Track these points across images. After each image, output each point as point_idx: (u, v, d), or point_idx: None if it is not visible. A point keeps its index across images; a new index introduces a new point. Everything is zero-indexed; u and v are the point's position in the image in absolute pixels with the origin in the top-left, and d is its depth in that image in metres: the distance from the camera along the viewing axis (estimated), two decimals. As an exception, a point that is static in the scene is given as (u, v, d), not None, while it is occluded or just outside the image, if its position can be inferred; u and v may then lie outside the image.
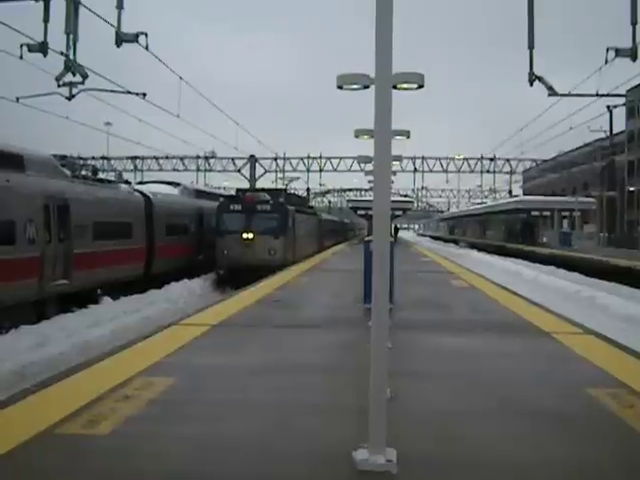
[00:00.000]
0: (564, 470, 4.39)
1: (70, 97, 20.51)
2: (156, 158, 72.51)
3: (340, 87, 6.66)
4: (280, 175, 71.43)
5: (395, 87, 6.00)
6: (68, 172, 20.46)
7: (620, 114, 67.69)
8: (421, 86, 6.71)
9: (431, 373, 7.23)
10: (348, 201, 64.11)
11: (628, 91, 42.45)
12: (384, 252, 4.52)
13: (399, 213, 49.80)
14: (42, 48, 17.79)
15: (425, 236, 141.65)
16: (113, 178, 26.98)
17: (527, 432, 5.17)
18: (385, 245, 4.52)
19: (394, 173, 18.73)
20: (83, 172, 22.24)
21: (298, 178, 69.95)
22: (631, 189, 64.79)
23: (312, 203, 71.87)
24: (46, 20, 17.87)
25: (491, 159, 75.30)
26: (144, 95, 23.64)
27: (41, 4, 17.76)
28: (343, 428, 5.22)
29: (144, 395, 5.99)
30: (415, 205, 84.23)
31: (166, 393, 6.12)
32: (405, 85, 6.66)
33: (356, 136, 11.24)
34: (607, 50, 19.13)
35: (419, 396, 6.28)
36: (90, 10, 17.57)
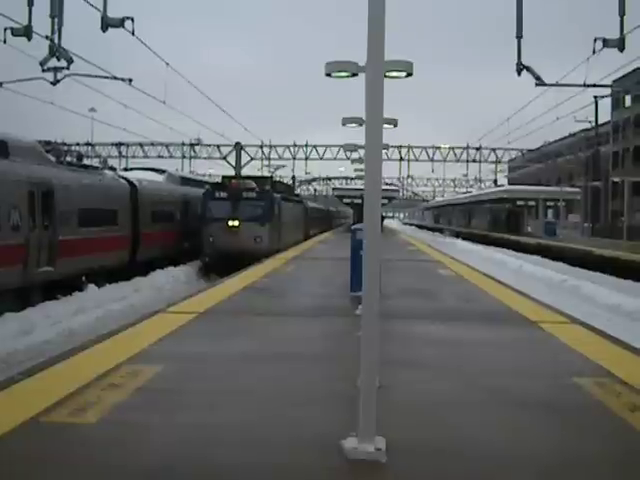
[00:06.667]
0: (551, 459, 4.41)
1: (55, 82, 20.34)
2: (141, 145, 72.05)
3: (328, 75, 6.61)
4: (266, 163, 71.15)
5: (384, 75, 5.96)
6: (53, 158, 20.26)
7: (606, 105, 68.05)
8: (410, 74, 6.66)
9: (419, 362, 7.23)
10: (334, 189, 64.04)
11: (614, 82, 42.54)
12: (375, 240, 4.49)
13: (385, 202, 49.82)
14: (26, 32, 17.57)
15: (410, 225, 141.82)
16: (98, 164, 26.77)
17: (514, 421, 5.19)
18: (376, 233, 4.50)
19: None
20: (68, 158, 22.04)
21: (284, 166, 69.70)
22: (615, 180, 65.06)
23: (298, 191, 71.72)
24: (30, 3, 17.65)
25: (477, 148, 75.46)
26: (130, 81, 23.46)
27: (26, -13, 17.55)
28: (331, 416, 5.21)
29: (131, 383, 5.95)
30: (400, 194, 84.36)
31: (153, 381, 6.09)
32: (394, 73, 6.62)
33: (343, 124, 11.16)
34: (595, 40, 19.18)
35: (408, 385, 6.29)
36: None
